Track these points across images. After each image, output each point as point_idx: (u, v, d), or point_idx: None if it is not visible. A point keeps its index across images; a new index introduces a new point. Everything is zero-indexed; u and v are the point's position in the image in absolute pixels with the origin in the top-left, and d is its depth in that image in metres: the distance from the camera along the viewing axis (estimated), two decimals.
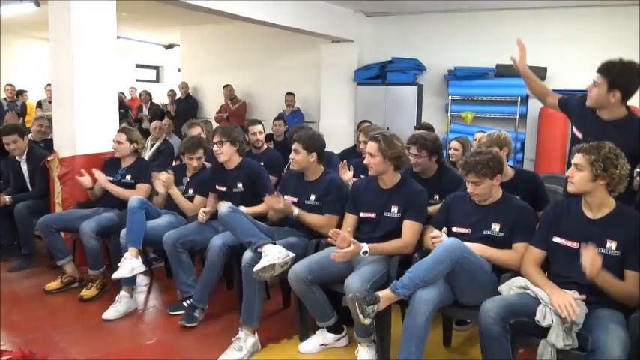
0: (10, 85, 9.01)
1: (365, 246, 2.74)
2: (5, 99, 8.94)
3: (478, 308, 2.30)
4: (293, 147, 3.27)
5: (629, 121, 2.64)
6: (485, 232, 2.66)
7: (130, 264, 3.29)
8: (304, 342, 3.03)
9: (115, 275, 3.29)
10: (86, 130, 4.22)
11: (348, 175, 3.62)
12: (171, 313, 3.43)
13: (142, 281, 4.04)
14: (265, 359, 2.94)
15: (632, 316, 2.12)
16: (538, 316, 2.20)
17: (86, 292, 3.67)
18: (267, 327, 3.20)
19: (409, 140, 3.40)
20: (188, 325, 3.22)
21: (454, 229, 2.77)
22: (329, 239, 2.78)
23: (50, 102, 7.19)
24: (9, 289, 3.83)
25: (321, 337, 3.02)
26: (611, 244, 2.28)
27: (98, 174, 3.89)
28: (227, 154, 3.55)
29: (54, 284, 3.81)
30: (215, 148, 3.54)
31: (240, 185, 3.55)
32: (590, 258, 2.14)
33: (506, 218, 2.66)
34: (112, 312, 3.39)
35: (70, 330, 3.23)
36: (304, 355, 2.98)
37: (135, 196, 3.53)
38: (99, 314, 3.40)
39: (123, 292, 3.48)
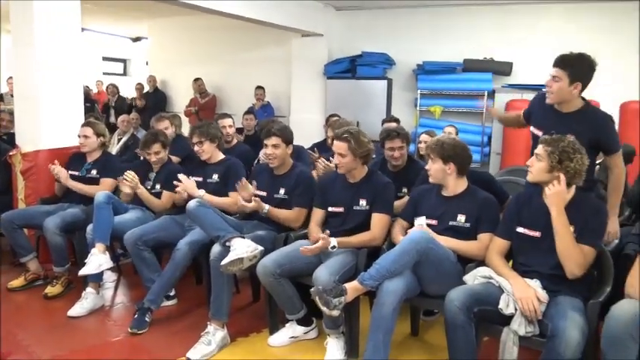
0: None
1: (333, 240, 2.76)
2: None
3: (444, 298, 2.35)
4: (272, 142, 3.22)
5: (587, 112, 2.73)
6: (451, 223, 2.71)
7: (97, 260, 3.23)
8: (274, 335, 3.04)
9: (82, 272, 3.23)
10: (50, 124, 4.12)
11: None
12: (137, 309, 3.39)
13: (110, 277, 3.98)
14: (234, 353, 2.93)
15: (590, 302, 2.20)
16: (501, 305, 2.26)
17: (51, 290, 3.59)
18: (236, 321, 3.20)
19: (390, 134, 3.44)
20: (139, 332, 3.09)
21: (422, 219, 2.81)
22: (302, 248, 2.80)
23: (12, 95, 6.98)
24: None
25: (291, 330, 3.03)
26: (571, 229, 2.34)
27: (59, 170, 3.79)
28: (208, 152, 3.57)
29: (17, 282, 3.72)
30: (196, 148, 3.55)
31: (215, 176, 3.53)
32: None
33: (471, 209, 2.71)
34: (77, 309, 3.32)
35: (33, 328, 3.16)
36: (274, 348, 2.99)
37: (101, 191, 3.47)
38: (64, 312, 3.33)
39: (89, 289, 3.42)
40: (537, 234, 2.42)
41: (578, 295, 2.28)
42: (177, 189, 3.38)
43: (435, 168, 2.76)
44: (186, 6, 5.79)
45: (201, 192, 3.37)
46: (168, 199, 3.65)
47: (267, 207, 3.17)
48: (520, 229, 2.48)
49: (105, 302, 3.55)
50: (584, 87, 2.68)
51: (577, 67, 2.65)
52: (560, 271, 2.31)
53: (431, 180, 2.81)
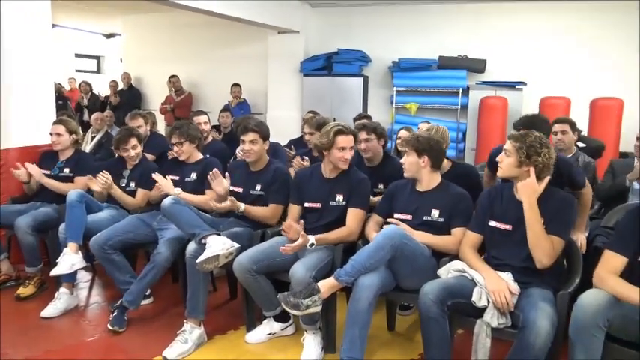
0: None
1: (312, 238, 2.77)
2: None
3: (419, 292, 2.38)
4: (249, 138, 3.21)
5: None
6: (425, 218, 2.75)
7: (70, 260, 3.19)
8: (251, 332, 3.04)
9: (54, 272, 3.18)
10: (19, 122, 4.04)
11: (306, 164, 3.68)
12: (113, 309, 3.35)
13: (84, 277, 3.93)
14: (211, 351, 2.92)
15: (560, 293, 2.26)
16: (474, 298, 2.30)
17: (23, 290, 3.53)
18: (213, 319, 3.20)
19: (356, 128, 3.46)
20: (119, 330, 3.07)
21: (396, 216, 2.84)
22: (282, 233, 2.81)
23: None
24: None
25: (268, 327, 3.04)
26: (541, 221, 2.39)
27: (32, 168, 3.73)
28: (188, 153, 3.55)
29: None
30: (175, 149, 3.52)
31: (193, 175, 3.51)
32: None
33: (445, 204, 2.75)
34: (50, 310, 3.28)
35: (6, 329, 3.10)
36: (251, 345, 2.99)
37: (74, 190, 3.42)
38: (37, 312, 3.28)
39: (63, 289, 3.37)
40: (508, 227, 2.47)
41: (548, 286, 2.34)
42: (157, 185, 3.36)
43: (409, 161, 2.80)
44: (161, 2, 5.73)
45: (178, 190, 3.35)
46: (143, 197, 3.62)
47: (242, 206, 3.15)
48: (492, 223, 2.53)
49: (79, 302, 3.51)
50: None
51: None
52: (531, 263, 2.36)
53: (406, 174, 2.85)
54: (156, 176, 3.37)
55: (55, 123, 3.93)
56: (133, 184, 3.69)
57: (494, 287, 2.29)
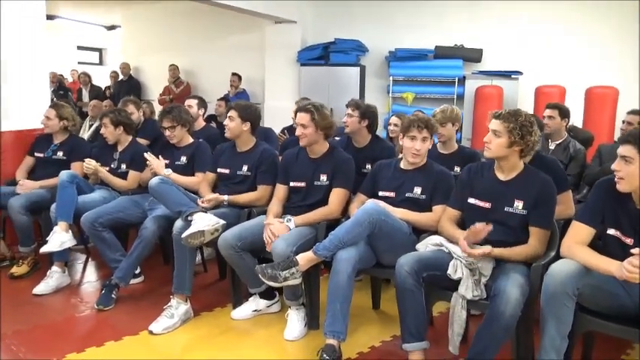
0: None
1: (291, 223, 2.86)
2: None
3: None
4: (228, 114, 3.31)
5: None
6: (407, 195, 2.79)
7: (60, 238, 3.25)
8: (237, 308, 3.10)
9: (44, 249, 3.24)
10: (14, 106, 4.11)
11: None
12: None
13: (78, 259, 4.00)
14: (197, 327, 2.98)
15: (533, 265, 2.29)
16: (450, 270, 2.34)
17: (17, 270, 3.60)
18: (202, 297, 3.26)
19: (347, 103, 3.57)
20: (105, 308, 3.12)
21: (380, 194, 2.88)
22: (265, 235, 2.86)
23: None
24: None
25: (254, 304, 3.09)
26: (519, 204, 2.43)
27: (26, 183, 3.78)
28: (179, 137, 3.60)
29: None
30: (167, 133, 3.56)
31: (183, 159, 3.56)
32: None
33: (427, 182, 2.80)
34: (42, 287, 3.34)
35: None
36: (236, 321, 3.04)
37: (65, 171, 3.48)
38: (29, 291, 3.35)
39: (55, 267, 3.43)
40: (487, 205, 2.50)
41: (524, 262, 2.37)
42: (148, 164, 3.44)
43: (426, 147, 2.83)
44: None
45: (168, 171, 3.40)
46: (134, 179, 3.67)
47: (225, 197, 3.22)
48: (471, 200, 2.56)
49: (71, 281, 3.57)
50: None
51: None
52: (508, 238, 2.39)
53: (416, 159, 2.83)
54: (148, 155, 3.43)
55: (49, 107, 3.99)
56: (123, 166, 3.74)
57: (465, 247, 2.31)
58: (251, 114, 3.33)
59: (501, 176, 2.52)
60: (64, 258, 3.48)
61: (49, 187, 3.70)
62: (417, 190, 2.80)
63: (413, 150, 2.79)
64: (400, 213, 2.71)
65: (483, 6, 7.06)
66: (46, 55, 4.40)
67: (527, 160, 2.60)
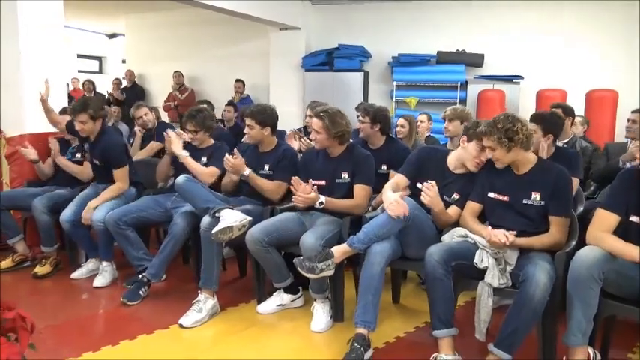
0: None
1: (322, 197, 2.93)
2: None
3: (422, 260, 2.50)
4: (247, 122, 3.38)
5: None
6: (444, 198, 2.80)
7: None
8: (262, 303, 3.17)
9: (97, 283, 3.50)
10: (34, 110, 4.16)
11: (296, 145, 3.79)
12: (128, 286, 3.46)
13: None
14: (225, 320, 3.05)
15: (557, 253, 2.39)
16: (476, 259, 2.43)
17: (40, 269, 3.66)
18: (225, 294, 3.32)
19: (357, 106, 3.64)
20: (130, 303, 3.19)
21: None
22: (292, 190, 2.95)
23: None
24: None
25: (278, 298, 3.16)
26: (536, 196, 2.53)
27: (53, 143, 3.94)
28: (201, 140, 3.66)
29: (5, 263, 3.78)
30: (190, 136, 3.61)
31: (203, 159, 3.61)
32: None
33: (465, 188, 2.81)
34: (101, 280, 3.53)
35: (24, 302, 3.21)
36: (262, 315, 3.11)
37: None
38: (53, 290, 3.44)
39: (105, 263, 3.59)
40: (506, 198, 2.60)
41: (546, 250, 2.47)
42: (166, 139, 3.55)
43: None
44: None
45: (185, 153, 3.48)
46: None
47: (247, 170, 3.27)
48: (491, 195, 2.65)
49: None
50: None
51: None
52: (529, 229, 2.49)
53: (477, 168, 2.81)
54: (170, 132, 3.56)
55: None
56: (79, 155, 4.01)
57: (493, 231, 2.41)
58: (268, 117, 3.39)
59: (517, 171, 2.61)
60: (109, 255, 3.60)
61: (67, 168, 3.94)
62: (455, 197, 2.81)
63: (478, 159, 2.75)
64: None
65: (485, 12, 7.21)
66: (62, 62, 4.50)
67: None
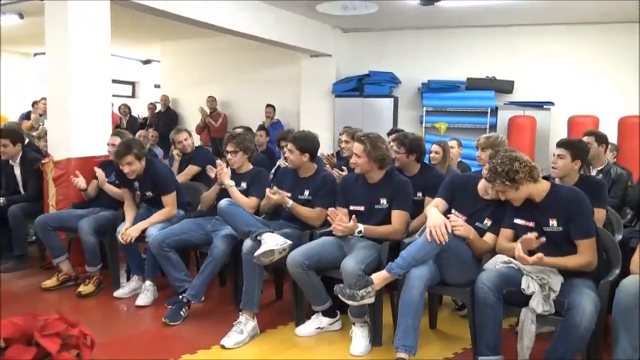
0: None
1: (360, 226, 2.98)
2: None
3: (463, 286, 2.54)
4: (288, 147, 3.49)
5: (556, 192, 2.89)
6: (476, 224, 2.86)
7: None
8: (301, 326, 3.21)
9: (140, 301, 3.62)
10: (80, 134, 4.36)
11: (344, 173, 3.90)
12: (169, 306, 3.54)
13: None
14: (265, 342, 3.10)
15: (602, 282, 2.40)
16: (523, 285, 2.46)
17: (84, 289, 3.77)
18: (263, 316, 3.35)
19: (393, 138, 3.68)
20: (171, 324, 3.27)
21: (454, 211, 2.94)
22: (329, 221, 3.02)
23: (41, 115, 7.28)
24: (4, 288, 3.87)
25: (317, 321, 3.21)
26: (553, 222, 2.57)
27: (99, 172, 4.04)
28: (240, 163, 3.74)
29: (50, 282, 3.90)
30: (229, 156, 3.71)
31: (243, 184, 3.69)
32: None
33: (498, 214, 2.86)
34: (143, 299, 3.63)
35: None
36: (301, 338, 3.16)
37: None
38: (96, 309, 3.55)
39: (148, 282, 3.68)
40: (531, 224, 2.63)
41: (588, 276, 2.48)
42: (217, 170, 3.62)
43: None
44: (200, 25, 6.01)
45: (232, 182, 3.58)
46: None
47: (290, 202, 3.37)
48: (518, 221, 2.70)
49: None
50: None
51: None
52: (556, 253, 2.50)
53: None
54: (218, 162, 3.66)
55: (113, 134, 4.24)
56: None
57: (518, 248, 2.44)
58: (309, 144, 3.47)
59: (534, 199, 2.64)
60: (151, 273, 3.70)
61: (113, 193, 4.03)
62: (487, 222, 2.87)
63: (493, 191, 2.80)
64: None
65: (514, 39, 7.29)
66: (108, 87, 4.69)
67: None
